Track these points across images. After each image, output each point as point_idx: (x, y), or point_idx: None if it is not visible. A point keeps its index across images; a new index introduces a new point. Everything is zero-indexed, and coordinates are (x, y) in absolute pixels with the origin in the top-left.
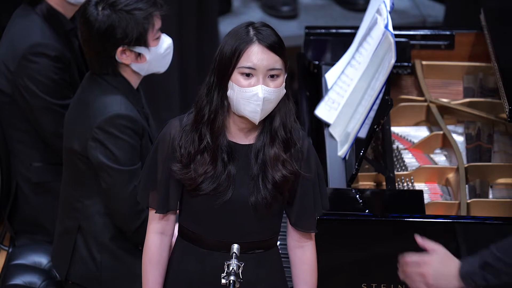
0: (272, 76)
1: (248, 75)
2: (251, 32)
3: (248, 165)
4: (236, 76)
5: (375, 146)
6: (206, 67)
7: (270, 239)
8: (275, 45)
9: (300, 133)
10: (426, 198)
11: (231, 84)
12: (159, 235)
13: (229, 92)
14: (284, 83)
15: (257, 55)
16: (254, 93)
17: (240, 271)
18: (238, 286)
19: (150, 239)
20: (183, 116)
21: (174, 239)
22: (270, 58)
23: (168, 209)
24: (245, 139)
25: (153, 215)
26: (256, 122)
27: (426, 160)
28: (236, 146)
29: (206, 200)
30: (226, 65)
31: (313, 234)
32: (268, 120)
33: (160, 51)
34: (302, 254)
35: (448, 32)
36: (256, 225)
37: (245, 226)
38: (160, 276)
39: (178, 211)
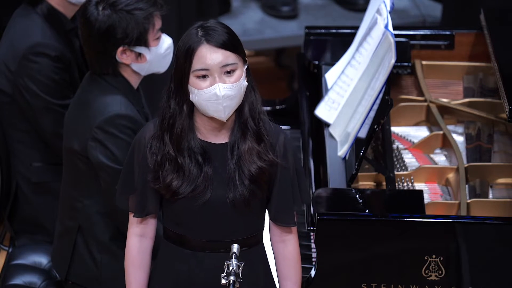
0: (228, 72)
1: (204, 76)
2: (199, 33)
3: (224, 163)
4: (192, 79)
5: (375, 146)
6: None
7: (253, 236)
8: (225, 42)
9: (273, 127)
10: (426, 198)
11: (190, 88)
12: (139, 237)
13: (191, 97)
14: (244, 75)
15: (207, 56)
16: (212, 93)
17: (240, 271)
18: (238, 286)
19: (130, 242)
20: (156, 120)
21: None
22: (221, 56)
23: (147, 212)
24: (219, 138)
25: (132, 218)
26: (224, 120)
27: (426, 160)
28: (210, 146)
29: (185, 202)
30: (181, 70)
31: (294, 229)
32: (236, 115)
33: (160, 51)
34: (284, 249)
35: (448, 32)
36: (237, 223)
37: (226, 225)
38: (143, 278)
39: (161, 213)
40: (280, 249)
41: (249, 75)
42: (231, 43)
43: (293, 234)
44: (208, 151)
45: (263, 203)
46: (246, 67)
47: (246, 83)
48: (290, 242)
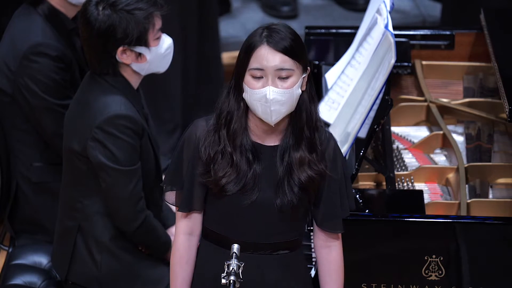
0: (283, 77)
1: (259, 77)
2: (264, 33)
3: (273, 166)
4: (247, 77)
5: (375, 146)
6: (206, 67)
7: (295, 240)
8: (285, 47)
9: (326, 133)
10: (426, 198)
11: (244, 86)
12: (187, 235)
13: (244, 94)
14: (299, 84)
15: (264, 56)
16: (262, 95)
17: (240, 271)
18: (238, 286)
19: (178, 240)
20: (210, 117)
21: None
22: (278, 59)
23: (191, 208)
24: (270, 140)
25: (180, 216)
26: (272, 124)
27: (426, 160)
28: (260, 147)
29: (231, 201)
30: (240, 67)
31: (339, 235)
32: (292, 121)
33: (161, 51)
34: (328, 254)
35: (448, 32)
36: (281, 226)
37: (270, 227)
38: (188, 276)
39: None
40: (324, 254)
41: (311, 85)
42: (292, 48)
43: (338, 240)
44: (259, 151)
45: (308, 209)
46: (304, 76)
47: (300, 91)
48: (335, 248)
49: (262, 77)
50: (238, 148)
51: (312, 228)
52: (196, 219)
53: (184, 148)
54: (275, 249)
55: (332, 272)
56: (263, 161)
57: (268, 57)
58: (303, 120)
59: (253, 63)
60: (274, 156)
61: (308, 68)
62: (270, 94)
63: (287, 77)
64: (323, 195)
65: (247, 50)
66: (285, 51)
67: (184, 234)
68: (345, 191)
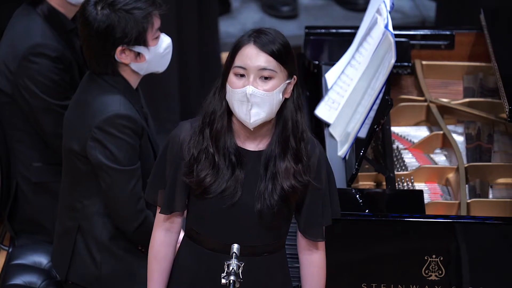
0: (265, 78)
1: (241, 76)
2: (252, 34)
3: (256, 172)
4: (230, 76)
5: (375, 146)
6: (206, 67)
7: (275, 243)
8: (271, 48)
9: (312, 142)
10: (426, 198)
11: (227, 86)
12: (164, 231)
13: (226, 95)
14: (281, 88)
15: (249, 55)
16: (243, 94)
17: (240, 271)
18: (238, 286)
19: (155, 235)
20: (195, 119)
21: (181, 237)
22: (262, 59)
23: (173, 210)
24: (255, 145)
25: (159, 215)
26: (250, 127)
27: (426, 160)
28: (245, 152)
29: (212, 203)
30: (225, 66)
31: (321, 242)
32: (277, 129)
33: (160, 50)
34: (310, 256)
35: (448, 32)
36: (261, 230)
37: (250, 230)
38: (164, 271)
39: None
40: (306, 255)
41: (298, 94)
42: (278, 51)
43: (320, 247)
44: (242, 155)
45: (290, 215)
46: (288, 81)
47: (281, 97)
48: (317, 252)
49: (244, 76)
50: (222, 150)
51: None
52: (175, 220)
53: (167, 150)
54: (255, 252)
55: (313, 275)
56: (245, 166)
57: (252, 55)
58: (289, 130)
59: (237, 61)
60: (257, 162)
61: (295, 77)
62: (249, 92)
63: (268, 78)
64: (304, 203)
65: (234, 49)
66: (270, 52)
67: (162, 230)
68: (328, 200)
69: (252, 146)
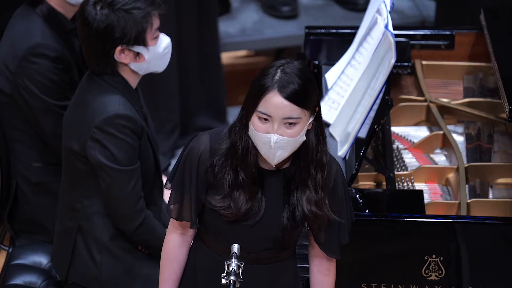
0: (289, 123)
1: (265, 119)
2: (276, 77)
3: (278, 189)
4: (254, 118)
5: (375, 146)
6: (206, 67)
7: (289, 250)
8: (295, 97)
9: (330, 163)
10: (426, 198)
11: (250, 124)
12: (178, 234)
13: (249, 131)
14: (305, 130)
15: (273, 104)
16: (267, 140)
17: (240, 271)
18: (238, 286)
19: (168, 237)
20: (214, 133)
21: None
22: (287, 108)
23: (196, 218)
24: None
25: (173, 221)
26: (273, 165)
27: (426, 160)
28: (265, 172)
29: (235, 222)
30: (249, 104)
31: (335, 260)
32: (298, 157)
33: (159, 50)
34: (322, 279)
35: (448, 32)
36: (278, 241)
37: (267, 242)
38: (175, 273)
39: None
40: (319, 278)
41: (320, 125)
42: (302, 97)
43: (334, 265)
44: (264, 175)
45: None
46: (312, 118)
47: (304, 137)
48: (329, 273)
49: (268, 121)
50: (250, 177)
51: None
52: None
53: (186, 163)
54: (266, 259)
55: (323, 284)
56: (268, 186)
57: (277, 105)
58: (310, 159)
59: (262, 107)
60: (279, 180)
61: (317, 108)
62: (274, 141)
63: (293, 124)
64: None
65: (258, 91)
66: (295, 101)
67: (175, 232)
68: (345, 220)
69: (271, 166)
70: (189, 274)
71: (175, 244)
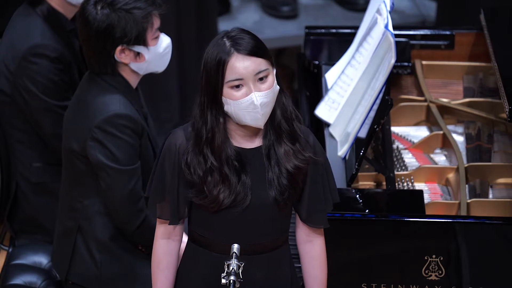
0: (261, 79)
1: (238, 86)
2: (227, 43)
3: (262, 167)
4: (227, 90)
5: (375, 146)
6: None
7: (281, 237)
8: (255, 49)
9: (303, 128)
10: (426, 198)
11: (225, 99)
12: (166, 240)
13: (226, 108)
14: (275, 80)
15: (239, 65)
16: (250, 102)
17: (240, 271)
18: (238, 286)
19: (156, 244)
20: (187, 126)
21: (183, 244)
22: (253, 63)
23: (181, 218)
24: (252, 143)
25: (159, 223)
26: (261, 127)
27: (426, 160)
28: (244, 152)
29: (224, 212)
30: (213, 83)
31: (322, 229)
32: (269, 118)
33: (159, 50)
34: (311, 248)
35: (448, 32)
36: (270, 225)
37: (260, 228)
38: (168, 280)
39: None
40: (307, 248)
41: (278, 77)
42: (259, 48)
43: (321, 235)
44: (243, 157)
45: (292, 205)
46: (275, 69)
47: (278, 87)
48: (318, 242)
49: (242, 86)
50: (225, 161)
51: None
52: (177, 226)
53: (165, 160)
54: (263, 249)
55: (315, 268)
56: (250, 165)
57: (243, 64)
58: (279, 115)
59: (229, 75)
60: (260, 157)
61: (273, 62)
62: (258, 100)
63: (265, 77)
64: (305, 189)
65: (219, 64)
66: (255, 53)
67: (163, 239)
68: (327, 185)
69: (250, 144)
70: (183, 281)
71: (164, 250)
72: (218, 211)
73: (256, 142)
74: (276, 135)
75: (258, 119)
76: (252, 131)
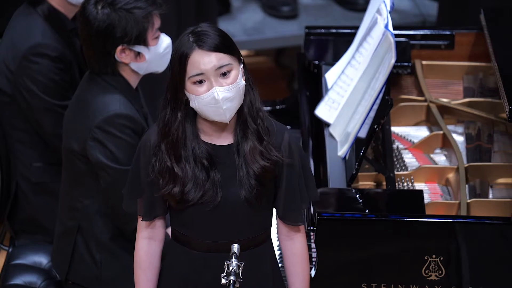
0: (224, 74)
1: (200, 82)
2: (191, 39)
3: (233, 164)
4: (189, 86)
5: (375, 146)
6: None
7: (261, 234)
8: (216, 45)
9: (275, 125)
10: (426, 198)
11: (189, 95)
12: (147, 240)
13: (191, 103)
14: (240, 75)
15: (200, 60)
16: (211, 98)
17: (240, 271)
18: (238, 286)
19: (138, 244)
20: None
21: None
22: (214, 58)
23: (155, 215)
24: (224, 139)
25: (141, 222)
26: (227, 122)
27: (426, 160)
28: (216, 149)
29: (195, 209)
30: (175, 77)
31: (302, 227)
32: (237, 115)
33: (159, 50)
34: (292, 246)
35: (448, 32)
36: (247, 222)
37: (236, 225)
38: (150, 280)
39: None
40: (288, 245)
41: (247, 73)
42: (223, 44)
43: (301, 232)
44: (214, 154)
45: (271, 201)
46: (242, 66)
47: (244, 82)
48: (298, 240)
49: (204, 81)
50: (191, 158)
51: (311, 228)
52: (157, 225)
53: (140, 157)
54: (243, 247)
55: (297, 265)
56: (221, 162)
57: (204, 60)
58: (246, 112)
59: (191, 70)
60: (231, 154)
61: (242, 58)
62: (219, 94)
63: (228, 72)
64: (281, 187)
65: (181, 59)
66: (218, 49)
67: (144, 238)
68: (303, 183)
69: (222, 140)
70: (166, 280)
71: (146, 251)
72: (187, 207)
73: (228, 139)
74: (243, 132)
75: (221, 114)
76: (221, 127)
